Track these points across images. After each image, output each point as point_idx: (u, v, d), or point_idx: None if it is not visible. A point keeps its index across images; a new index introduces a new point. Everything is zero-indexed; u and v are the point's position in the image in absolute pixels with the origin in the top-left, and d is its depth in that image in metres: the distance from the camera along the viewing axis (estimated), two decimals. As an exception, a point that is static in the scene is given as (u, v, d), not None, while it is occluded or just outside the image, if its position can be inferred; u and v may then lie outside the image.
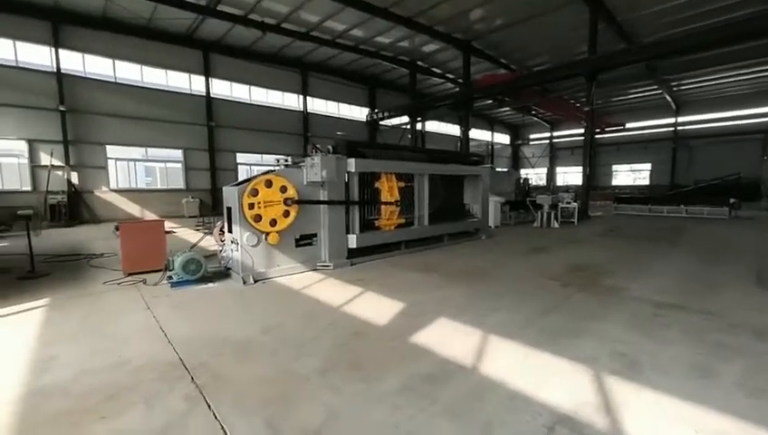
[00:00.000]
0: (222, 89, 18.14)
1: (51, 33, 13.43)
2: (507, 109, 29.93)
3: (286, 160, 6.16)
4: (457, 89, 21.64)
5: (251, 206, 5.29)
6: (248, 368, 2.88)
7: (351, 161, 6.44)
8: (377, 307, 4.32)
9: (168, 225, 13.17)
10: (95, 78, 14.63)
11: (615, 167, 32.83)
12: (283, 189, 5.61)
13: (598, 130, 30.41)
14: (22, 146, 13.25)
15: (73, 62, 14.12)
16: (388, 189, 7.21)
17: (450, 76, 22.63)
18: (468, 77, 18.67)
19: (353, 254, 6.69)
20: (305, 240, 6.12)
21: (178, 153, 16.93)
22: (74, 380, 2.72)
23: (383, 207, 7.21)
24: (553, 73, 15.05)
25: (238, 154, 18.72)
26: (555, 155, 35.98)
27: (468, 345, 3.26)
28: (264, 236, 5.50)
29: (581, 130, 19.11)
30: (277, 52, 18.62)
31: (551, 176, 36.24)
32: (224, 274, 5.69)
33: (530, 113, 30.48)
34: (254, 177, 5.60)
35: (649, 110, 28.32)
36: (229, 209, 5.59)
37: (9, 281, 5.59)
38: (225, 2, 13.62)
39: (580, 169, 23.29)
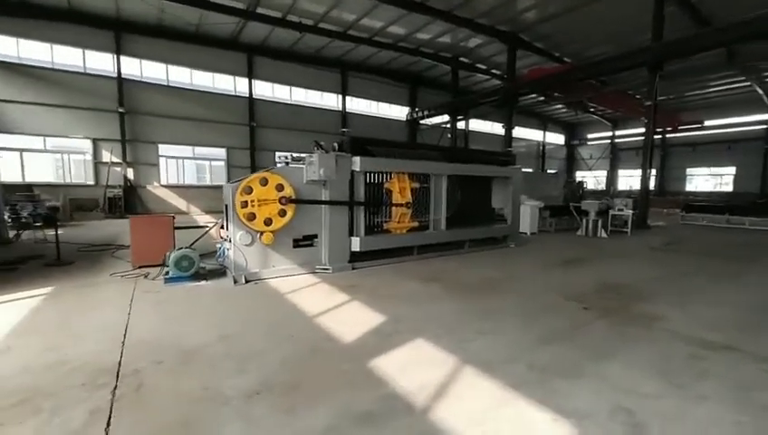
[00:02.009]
0: (264, 90, 18.81)
1: (114, 42, 14.79)
2: (561, 106, 27.75)
3: (286, 158, 5.98)
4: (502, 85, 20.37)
5: (244, 204, 5.16)
6: (177, 381, 2.65)
7: (357, 159, 6.09)
8: (354, 319, 3.93)
9: (205, 219, 13.92)
10: (150, 82, 15.88)
11: (690, 170, 29.01)
12: (280, 188, 5.42)
13: (669, 129, 27.08)
14: (87, 145, 14.75)
15: (132, 67, 15.42)
16: (400, 190, 6.75)
17: (496, 72, 21.41)
18: (513, 72, 17.44)
19: (358, 257, 6.34)
20: (305, 241, 5.89)
21: (222, 152, 17.85)
22: (9, 377, 2.67)
23: (394, 208, 6.78)
24: (609, 65, 13.45)
25: (278, 153, 19.28)
26: (617, 156, 32.66)
27: (433, 378, 2.74)
28: (258, 235, 5.35)
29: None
30: (316, 52, 18.88)
31: (611, 179, 33.00)
32: (220, 272, 5.65)
33: (587, 111, 27.84)
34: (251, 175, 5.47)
35: (735, 105, 24.54)
36: (227, 207, 5.52)
37: (37, 267, 6.04)
38: (263, 4, 14.00)
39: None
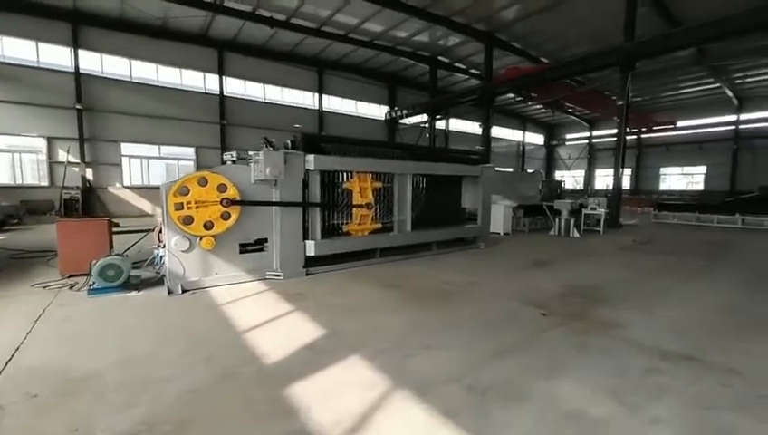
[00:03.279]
0: (236, 87, 18.15)
1: (70, 35, 13.93)
2: (540, 106, 27.92)
3: (231, 156, 5.53)
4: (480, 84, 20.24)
5: (179, 206, 4.68)
6: (42, 421, 2.19)
7: (310, 158, 5.68)
8: (289, 334, 3.53)
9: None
10: (112, 77, 15.06)
11: (663, 170, 29.68)
12: (222, 188, 4.96)
13: (644, 130, 27.57)
14: (41, 143, 13.85)
15: (91, 62, 14.58)
16: (360, 190, 6.38)
17: (475, 72, 21.32)
18: (490, 71, 17.34)
19: (314, 262, 5.93)
20: (254, 246, 5.44)
21: (191, 151, 17.10)
22: None
23: (354, 209, 6.40)
24: (582, 64, 13.42)
25: (250, 152, 18.60)
26: (594, 156, 33.17)
27: (357, 405, 2.37)
28: (197, 240, 4.88)
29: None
30: (291, 50, 18.35)
31: (589, 179, 33.49)
32: (157, 281, 5.14)
33: (565, 111, 28.09)
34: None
35: (706, 106, 25.17)
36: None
37: (-49, 278, 5.40)
38: (231, -3, 13.45)
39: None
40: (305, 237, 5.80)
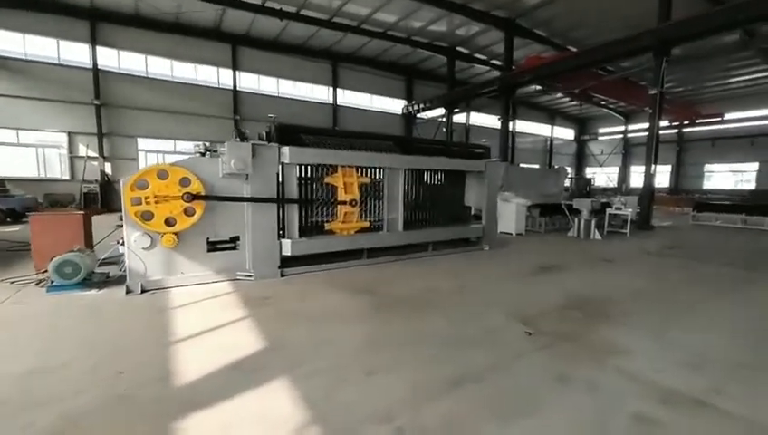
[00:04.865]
0: (249, 82, 18.13)
1: (89, 32, 14.31)
2: (569, 99, 26.24)
3: (199, 147, 5.21)
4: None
5: (136, 200, 4.41)
6: None
7: (285, 150, 5.28)
8: (226, 346, 3.13)
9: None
10: (128, 73, 15.38)
11: (708, 166, 27.21)
12: (185, 182, 4.65)
13: (687, 123, 25.31)
14: (62, 138, 14.35)
15: (109, 58, 14.94)
16: (345, 185, 5.91)
17: (496, 63, 20.24)
18: (511, 61, 16.34)
19: (292, 262, 5.55)
20: (225, 244, 5.12)
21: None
22: None
23: (339, 207, 5.96)
24: (610, 50, 12.25)
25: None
26: (629, 152, 30.89)
27: (250, 449, 1.93)
28: (159, 237, 4.60)
29: (665, 123, 15.23)
30: (304, 43, 18.11)
31: (623, 176, 31.28)
32: (122, 279, 4.92)
33: (596, 103, 26.18)
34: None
35: (759, 97, 22.67)
36: (127, 204, 4.79)
37: (-65, 270, 5.46)
38: (240, -11, 13.32)
39: (660, 167, 18.57)
40: (281, 236, 5.43)
